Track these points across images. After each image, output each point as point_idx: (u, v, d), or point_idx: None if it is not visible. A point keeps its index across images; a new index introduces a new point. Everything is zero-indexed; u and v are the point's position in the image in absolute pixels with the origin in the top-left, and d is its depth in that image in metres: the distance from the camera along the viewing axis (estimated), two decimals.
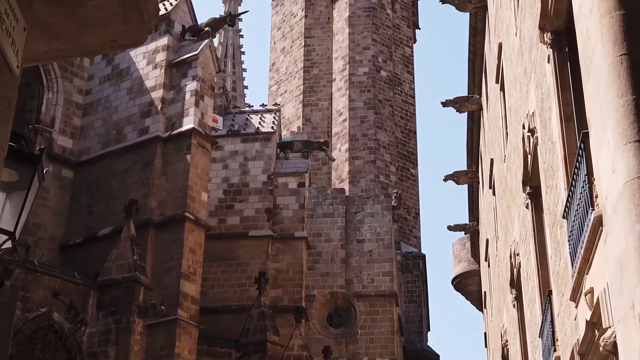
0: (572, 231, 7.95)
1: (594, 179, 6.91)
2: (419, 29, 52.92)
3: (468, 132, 24.77)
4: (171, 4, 25.95)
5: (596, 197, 6.86)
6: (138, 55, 25.57)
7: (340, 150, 43.93)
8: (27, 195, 5.39)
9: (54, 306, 20.00)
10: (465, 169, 26.04)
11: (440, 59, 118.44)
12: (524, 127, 11.70)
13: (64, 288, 20.13)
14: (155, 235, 22.96)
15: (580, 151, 7.34)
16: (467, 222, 28.63)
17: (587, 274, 7.42)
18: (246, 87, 60.34)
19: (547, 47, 9.38)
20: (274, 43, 51.33)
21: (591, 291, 7.14)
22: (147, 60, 25.27)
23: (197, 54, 24.47)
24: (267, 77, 51.02)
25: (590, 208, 6.97)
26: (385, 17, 48.03)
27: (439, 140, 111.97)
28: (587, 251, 7.22)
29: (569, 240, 8.19)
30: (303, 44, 48.11)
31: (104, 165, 24.75)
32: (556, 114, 9.03)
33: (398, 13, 49.54)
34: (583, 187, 7.27)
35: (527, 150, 11.45)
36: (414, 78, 49.14)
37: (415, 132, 47.63)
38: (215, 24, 25.85)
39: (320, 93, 46.75)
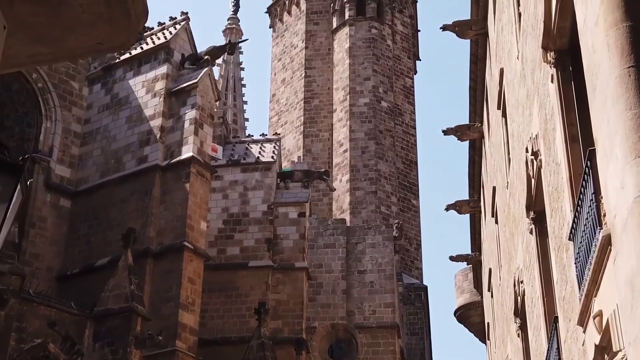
0: (578, 253, 7.75)
1: (601, 197, 6.73)
2: (419, 60, 53.04)
3: (469, 161, 24.64)
4: (171, 33, 25.91)
5: (604, 215, 6.67)
6: (137, 84, 25.48)
7: (341, 181, 43.76)
8: (8, 207, 5.10)
9: (50, 337, 19.69)
10: (467, 198, 25.89)
11: (441, 88, 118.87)
12: (527, 151, 11.53)
13: (60, 318, 19.82)
14: (154, 265, 22.71)
15: (586, 169, 7.16)
16: (470, 252, 28.43)
17: (595, 296, 7.20)
18: (247, 120, 60.31)
19: (550, 67, 9.23)
20: (275, 74, 51.38)
21: (600, 314, 6.92)
22: (147, 89, 25.16)
23: (196, 82, 24.37)
24: (268, 108, 51.07)
25: (598, 227, 6.78)
26: (386, 48, 48.10)
27: (440, 171, 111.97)
28: (595, 273, 7.01)
29: (575, 263, 7.98)
30: (303, 75, 48.14)
31: (102, 195, 24.54)
32: (561, 134, 8.85)
33: (398, 44, 49.62)
34: (590, 206, 7.07)
35: (531, 174, 11.29)
36: (414, 109, 49.12)
37: (416, 163, 47.49)
38: (215, 53, 25.77)
39: (321, 124, 46.68)
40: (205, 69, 24.75)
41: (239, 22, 61.85)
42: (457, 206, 25.42)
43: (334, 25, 48.70)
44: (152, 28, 26.88)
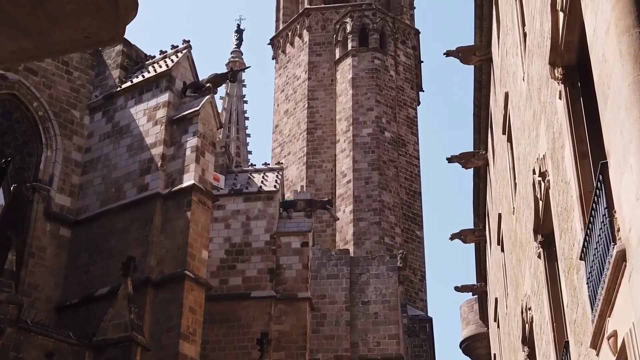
0: (590, 272, 7.52)
1: (614, 212, 6.52)
2: (423, 91, 53.04)
3: (474, 189, 24.51)
4: (172, 61, 25.81)
5: (618, 230, 6.45)
6: (138, 112, 25.35)
7: (344, 212, 43.52)
8: None
9: None
10: (472, 227, 25.70)
11: (444, 119, 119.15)
12: (534, 172, 11.35)
13: (58, 348, 19.47)
14: (154, 295, 22.40)
15: (598, 184, 6.94)
16: (475, 282, 28.20)
17: (609, 316, 6.94)
18: (250, 153, 60.34)
19: (558, 83, 9.05)
20: (277, 105, 51.35)
21: (615, 334, 6.67)
22: (148, 117, 25.02)
23: (198, 110, 24.22)
24: (271, 139, 50.97)
25: (612, 243, 6.55)
26: (389, 79, 48.08)
27: (444, 201, 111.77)
28: (609, 291, 6.76)
29: (587, 283, 7.74)
30: (306, 105, 48.09)
31: (103, 224, 24.30)
32: (570, 151, 8.64)
33: (401, 75, 49.62)
34: (603, 221, 6.85)
35: (538, 195, 11.09)
36: (418, 139, 48.99)
37: (420, 194, 47.25)
38: (217, 80, 25.62)
39: (324, 154, 46.53)
40: (207, 97, 24.60)
41: (242, 55, 62.19)
42: (462, 235, 25.24)
43: (337, 56, 48.75)
44: (154, 56, 26.82)
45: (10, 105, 25.08)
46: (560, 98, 9.01)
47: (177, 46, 26.21)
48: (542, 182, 10.72)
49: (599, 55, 6.86)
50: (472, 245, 26.59)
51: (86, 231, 24.60)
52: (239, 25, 63.76)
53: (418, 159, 48.27)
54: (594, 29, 7.00)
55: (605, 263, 6.84)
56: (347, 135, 45.78)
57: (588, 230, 7.46)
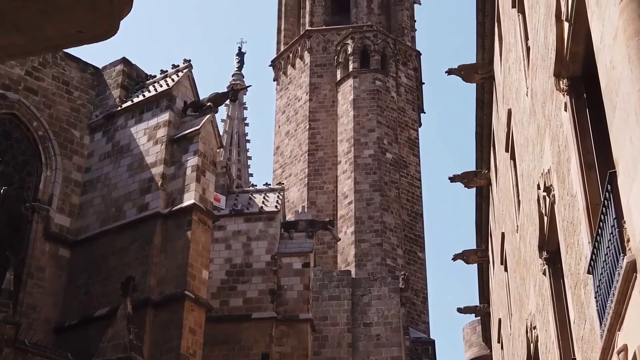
0: (599, 286, 7.37)
1: (624, 222, 6.37)
2: (424, 112, 52.99)
3: (477, 209, 24.41)
4: (173, 80, 25.73)
5: (628, 241, 6.30)
6: (139, 132, 25.25)
7: (346, 233, 43.31)
8: None
9: None
10: (475, 247, 25.58)
11: (446, 140, 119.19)
12: (538, 188, 11.23)
13: None
14: (154, 315, 22.17)
15: (606, 194, 6.78)
16: (478, 304, 28.01)
17: (619, 330, 6.79)
18: (251, 175, 60.24)
19: (563, 95, 8.94)
20: (279, 127, 51.29)
21: (625, 349, 6.52)
22: (148, 136, 24.90)
23: (198, 129, 24.10)
24: (272, 161, 50.83)
25: (621, 254, 6.40)
26: (390, 100, 48.03)
27: (446, 222, 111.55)
28: (618, 304, 6.61)
29: (595, 297, 7.58)
30: (308, 127, 48.01)
31: (102, 244, 24.11)
32: (576, 163, 8.51)
33: (403, 96, 49.59)
34: (612, 232, 6.70)
35: (543, 211, 10.97)
36: (419, 161, 48.86)
37: (421, 215, 47.04)
38: (218, 99, 25.53)
39: (325, 176, 46.39)
40: (208, 116, 24.50)
41: (243, 78, 62.22)
42: (465, 256, 25.11)
43: (338, 78, 48.73)
44: (155, 76, 26.75)
45: (10, 124, 24.99)
46: (565, 110, 8.89)
47: (178, 65, 26.15)
48: (547, 197, 10.60)
49: (607, 63, 6.74)
50: (475, 266, 26.44)
51: (85, 251, 24.40)
52: (240, 48, 63.80)
53: (420, 180, 48.12)
54: (601, 36, 6.88)
55: (614, 275, 6.71)
56: (349, 156, 45.66)
57: (596, 243, 7.33)
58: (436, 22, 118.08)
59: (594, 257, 7.48)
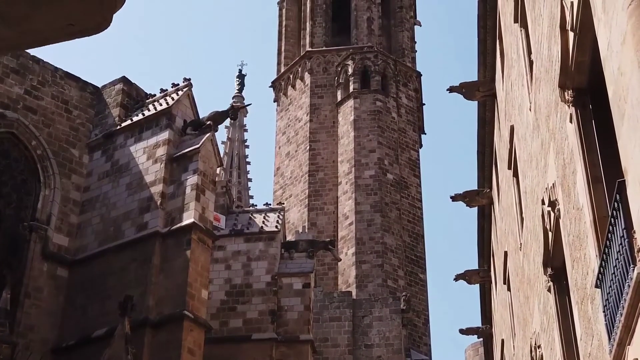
0: (607, 299, 7.20)
1: (634, 232, 6.20)
2: (425, 134, 52.92)
3: (478, 228, 24.27)
4: (173, 99, 25.62)
5: (638, 251, 6.13)
6: (138, 151, 25.09)
7: (346, 254, 43.10)
8: None
9: None
10: (477, 268, 25.41)
11: (447, 160, 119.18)
12: (543, 203, 11.09)
13: None
14: (153, 336, 21.90)
15: (615, 204, 6.61)
16: (480, 325, 27.79)
17: (629, 344, 6.63)
18: (251, 197, 60.07)
19: (569, 106, 8.81)
20: (279, 148, 51.20)
21: None
22: (148, 155, 24.75)
23: (198, 148, 23.94)
24: (272, 182, 50.68)
25: (631, 265, 6.23)
26: (391, 121, 47.98)
27: (447, 243, 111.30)
28: (628, 317, 6.45)
29: (604, 311, 7.41)
30: (308, 147, 47.92)
31: (101, 264, 23.89)
32: (582, 176, 8.36)
33: (403, 117, 49.54)
34: (621, 243, 6.53)
35: (548, 227, 10.83)
36: (420, 182, 48.71)
37: (423, 237, 46.84)
38: (218, 118, 25.40)
39: (326, 197, 46.24)
40: (208, 134, 24.36)
41: (244, 100, 62.22)
42: (467, 276, 24.93)
43: (339, 98, 48.71)
44: (155, 95, 26.64)
45: (9, 143, 24.85)
46: (571, 121, 8.76)
47: (178, 84, 26.05)
48: (551, 212, 10.46)
49: (614, 70, 6.60)
50: (477, 287, 26.27)
51: (84, 271, 24.18)
52: (240, 71, 63.90)
53: (421, 201, 47.96)
54: (608, 43, 6.75)
55: (624, 287, 6.56)
56: (349, 177, 45.53)
57: (604, 255, 7.16)
58: (437, 43, 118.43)
59: (602, 270, 7.33)
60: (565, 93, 8.86)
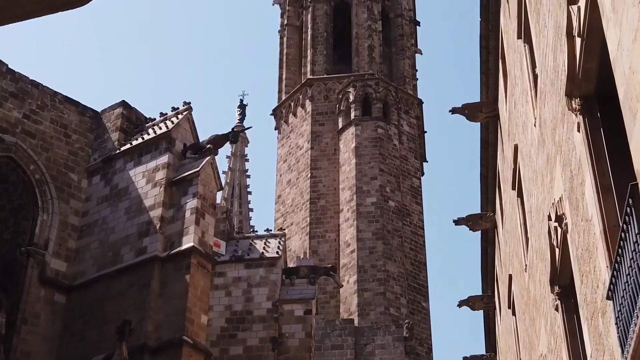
0: (620, 311, 6.94)
1: None
2: (427, 162, 52.75)
3: (482, 253, 24.08)
4: (172, 122, 25.44)
5: None
6: (137, 174, 24.86)
7: (348, 282, 42.75)
8: None
9: None
10: (480, 294, 25.18)
11: (449, 188, 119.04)
12: (549, 219, 10.87)
13: None
14: None
15: (627, 209, 6.36)
16: (484, 352, 27.46)
17: None
18: (252, 227, 59.83)
19: (576, 115, 8.61)
20: (280, 175, 51.00)
21: None
22: (147, 179, 24.51)
23: (198, 171, 23.71)
24: (273, 209, 50.44)
25: None
26: (392, 148, 47.83)
27: (450, 270, 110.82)
28: None
29: (616, 323, 7.14)
30: (309, 175, 47.73)
31: (99, 289, 23.55)
32: (591, 185, 8.14)
33: (405, 144, 49.40)
34: (634, 249, 6.29)
35: (555, 243, 10.62)
36: (422, 209, 48.46)
37: (425, 264, 46.52)
38: (218, 141, 25.21)
39: (327, 224, 45.98)
40: (208, 158, 24.14)
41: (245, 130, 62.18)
42: (470, 302, 24.68)
43: (340, 126, 48.61)
44: (154, 119, 26.47)
45: (7, 168, 24.62)
46: (578, 130, 8.55)
47: (178, 108, 25.89)
48: (558, 227, 10.25)
49: (625, 70, 6.40)
50: (481, 313, 26.01)
51: (82, 297, 23.84)
52: (242, 101, 64.06)
53: (423, 229, 47.68)
54: (619, 42, 6.55)
55: (637, 297, 6.29)
56: (351, 204, 45.28)
57: (616, 265, 6.90)
58: (438, 71, 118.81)
59: (613, 281, 7.06)
60: (573, 101, 8.68)
